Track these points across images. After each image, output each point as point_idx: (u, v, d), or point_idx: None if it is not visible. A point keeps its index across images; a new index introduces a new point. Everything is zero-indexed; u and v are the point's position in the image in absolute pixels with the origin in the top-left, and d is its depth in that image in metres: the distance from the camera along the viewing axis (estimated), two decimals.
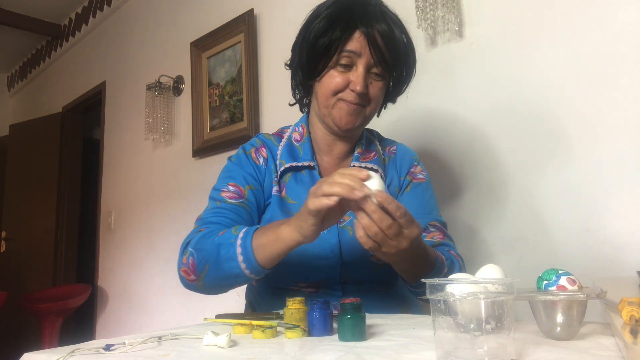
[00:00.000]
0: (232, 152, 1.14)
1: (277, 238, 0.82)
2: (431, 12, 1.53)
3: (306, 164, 1.05)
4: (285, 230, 0.81)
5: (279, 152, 1.08)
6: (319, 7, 1.02)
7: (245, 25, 2.38)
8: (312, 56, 1.00)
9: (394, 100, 1.13)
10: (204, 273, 0.90)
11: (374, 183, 0.74)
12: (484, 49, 1.50)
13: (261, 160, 1.07)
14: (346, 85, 0.97)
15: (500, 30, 1.46)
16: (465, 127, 1.53)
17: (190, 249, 0.93)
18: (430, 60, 1.62)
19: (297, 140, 1.09)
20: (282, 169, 1.05)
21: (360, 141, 1.10)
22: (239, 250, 0.84)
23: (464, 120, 1.53)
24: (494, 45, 1.48)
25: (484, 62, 1.49)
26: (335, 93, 0.98)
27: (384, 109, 1.14)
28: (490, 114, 1.47)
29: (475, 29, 1.52)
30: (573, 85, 1.31)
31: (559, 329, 0.57)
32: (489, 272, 0.65)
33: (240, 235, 0.86)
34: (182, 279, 0.96)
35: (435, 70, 1.61)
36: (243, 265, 0.84)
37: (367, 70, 0.97)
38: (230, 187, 1.02)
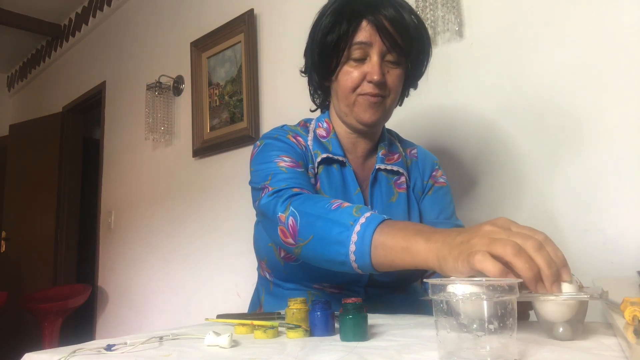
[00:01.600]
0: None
1: (407, 248, 0.66)
2: (431, 12, 1.53)
3: (340, 158, 1.02)
4: (422, 245, 0.64)
5: (310, 143, 1.03)
6: (325, 6, 1.00)
7: (245, 25, 2.38)
8: (323, 55, 0.98)
9: (415, 85, 1.10)
10: (305, 242, 0.78)
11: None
12: (484, 49, 1.50)
13: (302, 145, 1.02)
14: (363, 79, 0.94)
15: (500, 30, 1.46)
16: (464, 128, 1.53)
17: (292, 208, 0.81)
18: (430, 60, 1.62)
19: (322, 137, 1.05)
20: (318, 159, 1.00)
21: (382, 142, 1.08)
22: (354, 237, 0.72)
23: (463, 121, 1.53)
24: (494, 45, 1.48)
25: (484, 62, 1.49)
26: (354, 89, 0.95)
27: (407, 96, 1.12)
28: (490, 114, 1.47)
29: (475, 29, 1.52)
30: (573, 86, 1.31)
31: (561, 329, 0.57)
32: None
33: (362, 220, 0.72)
34: (277, 237, 0.85)
35: (435, 70, 1.61)
36: (352, 257, 0.72)
37: (382, 58, 0.94)
38: (285, 158, 0.94)
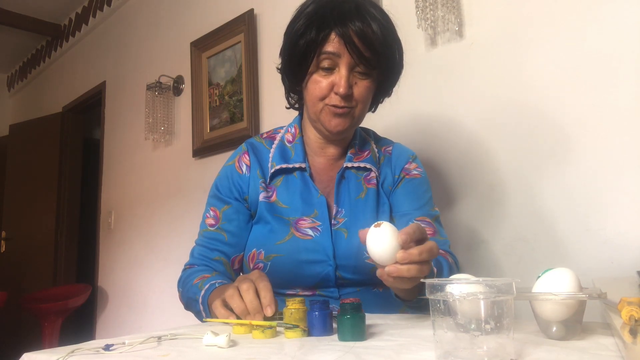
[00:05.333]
0: (232, 153, 1.14)
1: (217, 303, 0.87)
2: (431, 12, 1.53)
3: (297, 165, 1.04)
4: (215, 300, 0.86)
5: (270, 155, 1.07)
6: (302, 5, 1.00)
7: (245, 25, 2.38)
8: (293, 60, 0.99)
9: (388, 94, 1.10)
10: (192, 312, 1.01)
11: (385, 234, 0.71)
12: (484, 49, 1.50)
13: (244, 168, 1.07)
14: (331, 89, 0.96)
15: (500, 30, 1.46)
16: (465, 128, 1.53)
17: (180, 289, 1.05)
18: (430, 60, 1.62)
19: (289, 142, 1.09)
20: (272, 171, 1.04)
21: (353, 141, 1.09)
22: (201, 307, 0.93)
23: (464, 121, 1.53)
24: (494, 45, 1.48)
25: (484, 62, 1.49)
26: (322, 99, 0.97)
27: (381, 103, 1.12)
28: (491, 114, 1.47)
29: (475, 29, 1.52)
30: (573, 85, 1.31)
31: (554, 328, 0.57)
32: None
33: (202, 293, 0.93)
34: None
35: (435, 70, 1.61)
36: (208, 320, 0.93)
37: (350, 69, 0.95)
38: (211, 212, 1.08)
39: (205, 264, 1.04)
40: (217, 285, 0.93)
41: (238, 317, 0.77)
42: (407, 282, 0.73)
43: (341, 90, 0.94)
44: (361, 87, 0.97)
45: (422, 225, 1.03)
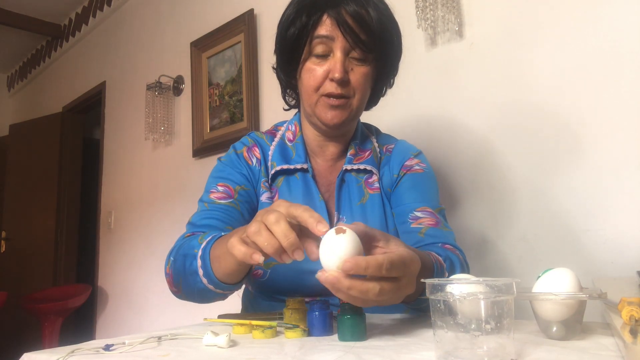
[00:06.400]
0: (236, 143, 1.10)
1: (227, 250, 0.65)
2: (431, 12, 1.53)
3: (299, 166, 0.98)
4: (233, 239, 0.65)
5: (270, 153, 1.01)
6: None
7: (245, 25, 2.38)
8: (285, 50, 0.95)
9: (389, 83, 1.04)
10: (181, 285, 0.82)
11: (342, 245, 0.57)
12: (484, 49, 1.50)
13: (254, 160, 1.00)
14: (325, 77, 0.89)
15: (500, 30, 1.46)
16: (465, 128, 1.53)
17: (172, 258, 0.85)
18: (430, 60, 1.62)
19: (290, 140, 1.02)
20: (272, 171, 0.98)
21: (353, 141, 1.02)
22: (199, 262, 0.74)
23: (464, 121, 1.53)
24: (494, 45, 1.48)
25: (484, 62, 1.49)
26: (317, 88, 0.91)
27: (383, 96, 1.06)
28: (491, 114, 1.47)
29: (475, 29, 1.52)
30: (573, 86, 1.31)
31: (555, 328, 0.57)
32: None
33: (203, 244, 0.75)
34: (169, 288, 0.89)
35: (435, 71, 1.61)
36: (205, 280, 0.74)
37: (346, 54, 0.89)
38: (220, 188, 0.95)
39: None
40: (222, 234, 0.75)
41: (265, 256, 0.60)
42: (351, 299, 0.59)
43: (336, 75, 0.87)
44: (358, 74, 0.90)
45: (421, 215, 0.94)
